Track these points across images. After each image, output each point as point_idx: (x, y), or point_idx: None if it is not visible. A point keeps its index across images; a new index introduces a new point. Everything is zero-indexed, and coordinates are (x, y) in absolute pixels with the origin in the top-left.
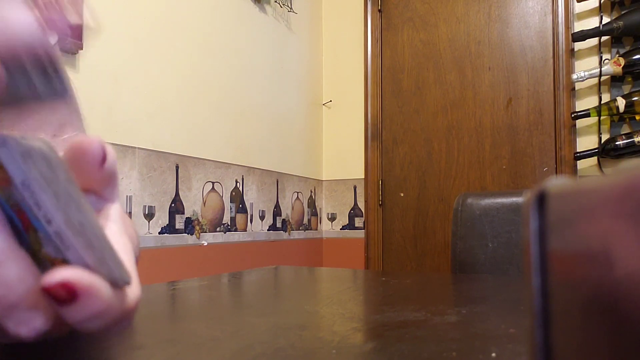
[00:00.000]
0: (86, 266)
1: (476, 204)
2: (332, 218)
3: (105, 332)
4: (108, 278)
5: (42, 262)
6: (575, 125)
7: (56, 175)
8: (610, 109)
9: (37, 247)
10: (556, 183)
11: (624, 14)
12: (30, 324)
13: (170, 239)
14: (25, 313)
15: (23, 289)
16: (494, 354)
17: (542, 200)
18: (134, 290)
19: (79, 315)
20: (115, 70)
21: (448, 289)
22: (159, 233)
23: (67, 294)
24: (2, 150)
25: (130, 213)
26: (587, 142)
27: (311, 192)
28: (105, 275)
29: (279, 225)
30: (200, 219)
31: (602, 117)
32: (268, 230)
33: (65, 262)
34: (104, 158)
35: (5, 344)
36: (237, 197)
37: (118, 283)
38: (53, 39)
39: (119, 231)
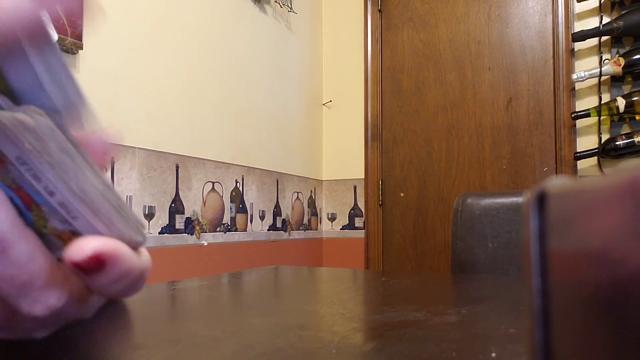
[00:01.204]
0: (97, 233)
1: (476, 204)
2: (332, 218)
3: (123, 294)
4: (122, 240)
5: (50, 239)
6: (575, 125)
7: (47, 144)
8: (610, 109)
9: (43, 223)
10: (556, 183)
11: (624, 14)
12: (44, 302)
13: (170, 239)
14: (38, 291)
15: (34, 268)
16: (494, 354)
17: (542, 200)
18: (144, 252)
19: (103, 281)
20: (115, 70)
21: (448, 289)
22: (159, 233)
23: (96, 265)
24: None
25: None
26: (587, 142)
27: (311, 192)
28: (118, 238)
29: (279, 225)
30: (200, 219)
31: (602, 117)
32: (268, 230)
33: (74, 233)
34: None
35: (6, 343)
36: (237, 197)
37: (131, 244)
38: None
39: None
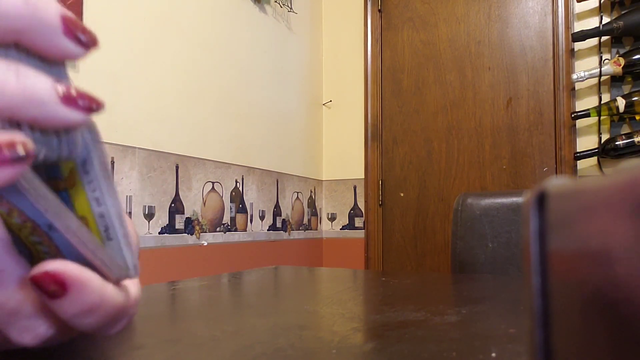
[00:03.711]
0: (78, 260)
1: (476, 204)
2: (332, 218)
3: (104, 330)
4: (104, 271)
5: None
6: (575, 125)
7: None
8: (610, 109)
9: (34, 248)
10: (556, 183)
11: (624, 14)
12: (33, 331)
13: (170, 239)
14: (28, 320)
15: (23, 296)
16: (494, 354)
17: (542, 200)
18: (132, 287)
19: (72, 309)
20: (115, 70)
21: (448, 289)
22: (159, 233)
23: (56, 286)
24: None
25: (130, 213)
26: (587, 142)
27: (311, 192)
28: (100, 268)
29: (279, 225)
30: (200, 219)
31: (602, 117)
32: (268, 230)
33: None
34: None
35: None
36: (237, 197)
37: (113, 276)
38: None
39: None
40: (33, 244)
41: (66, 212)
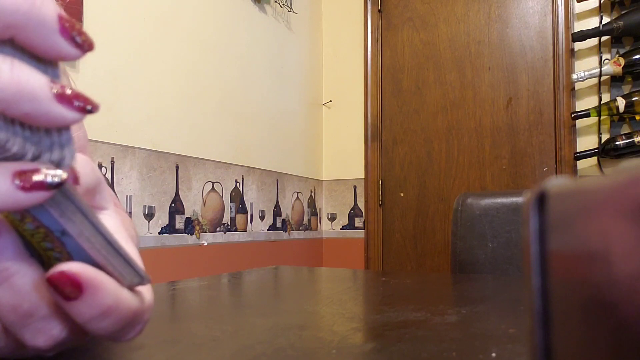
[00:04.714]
0: (93, 264)
1: (476, 204)
2: (332, 218)
3: (119, 335)
4: (117, 277)
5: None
6: (575, 125)
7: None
8: (610, 109)
9: (45, 254)
10: (556, 183)
11: (624, 14)
12: (47, 333)
13: (170, 239)
14: (42, 322)
15: (37, 297)
16: (494, 354)
17: (542, 200)
18: (146, 294)
19: (87, 311)
20: (115, 70)
21: (448, 289)
22: (159, 233)
23: (72, 288)
24: None
25: (130, 213)
26: (587, 142)
27: (311, 192)
28: (113, 273)
29: (279, 225)
30: (200, 219)
31: (602, 117)
32: (268, 230)
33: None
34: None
35: None
36: (237, 197)
37: (126, 282)
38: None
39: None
40: (45, 250)
41: (80, 218)
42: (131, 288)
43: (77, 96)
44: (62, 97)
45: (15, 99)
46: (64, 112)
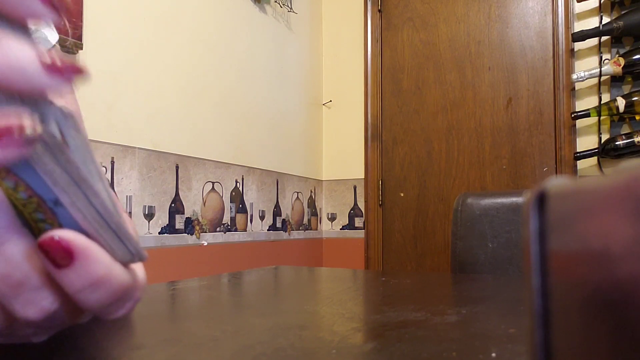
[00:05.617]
0: (85, 234)
1: (476, 204)
2: (332, 218)
3: (110, 311)
4: (108, 251)
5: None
6: (575, 125)
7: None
8: (610, 109)
9: (37, 225)
10: (556, 183)
11: (624, 14)
12: (38, 304)
13: (170, 239)
14: (32, 292)
15: (28, 267)
16: (494, 354)
17: (542, 200)
18: (139, 271)
19: (77, 281)
20: (115, 70)
21: (448, 289)
22: (159, 233)
23: (63, 255)
24: None
25: (130, 213)
26: (587, 142)
27: (311, 192)
28: (105, 247)
29: (279, 225)
30: (200, 219)
31: (602, 117)
32: (268, 230)
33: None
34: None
35: (4, 345)
36: (237, 197)
37: (117, 257)
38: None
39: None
40: (36, 222)
41: (74, 189)
42: (124, 264)
43: (64, 63)
44: (50, 67)
45: (4, 72)
46: (52, 82)
